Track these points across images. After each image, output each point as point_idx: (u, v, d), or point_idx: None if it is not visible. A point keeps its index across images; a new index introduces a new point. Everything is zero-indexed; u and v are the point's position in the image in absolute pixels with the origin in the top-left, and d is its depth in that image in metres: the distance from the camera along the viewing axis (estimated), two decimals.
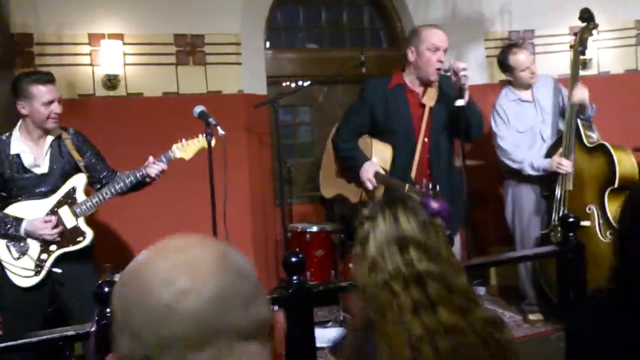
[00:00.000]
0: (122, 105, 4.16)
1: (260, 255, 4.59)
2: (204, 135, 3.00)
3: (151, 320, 0.68)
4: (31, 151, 2.89)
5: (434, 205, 1.43)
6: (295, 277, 2.00)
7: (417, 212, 1.38)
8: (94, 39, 4.07)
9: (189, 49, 4.32)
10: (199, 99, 3.83)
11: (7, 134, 2.91)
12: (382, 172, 3.07)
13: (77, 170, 2.96)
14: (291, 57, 4.96)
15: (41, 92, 2.80)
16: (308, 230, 4.19)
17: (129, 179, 2.93)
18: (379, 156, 3.16)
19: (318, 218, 4.89)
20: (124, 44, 4.13)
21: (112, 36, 4.09)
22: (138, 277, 0.71)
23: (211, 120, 2.94)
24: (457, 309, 1.31)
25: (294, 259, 2.01)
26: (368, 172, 3.07)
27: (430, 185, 2.73)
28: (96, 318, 1.70)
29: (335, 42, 5.16)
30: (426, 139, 3.15)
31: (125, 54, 4.14)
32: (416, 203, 1.42)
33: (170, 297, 0.68)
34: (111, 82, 4.11)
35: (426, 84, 3.18)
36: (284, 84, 4.85)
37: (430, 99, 3.16)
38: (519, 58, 3.99)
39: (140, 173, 2.93)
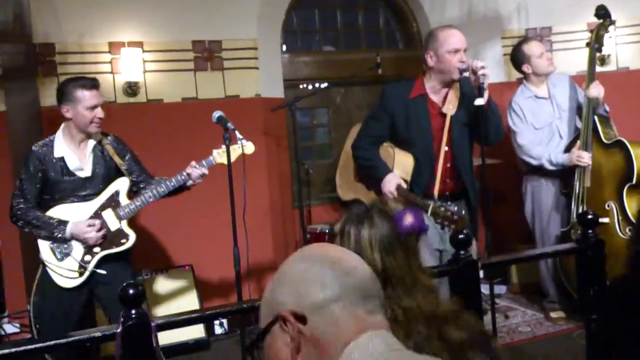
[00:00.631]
0: (142, 112, 4.22)
1: (280, 257, 4.63)
2: (242, 140, 3.08)
3: (340, 276, 0.97)
4: (75, 154, 2.98)
5: (408, 221, 1.41)
6: None
7: (382, 233, 1.40)
8: (114, 47, 4.15)
9: (207, 55, 4.38)
10: (217, 103, 3.89)
11: (50, 138, 3.00)
12: (404, 185, 3.02)
13: (119, 174, 3.05)
14: (307, 60, 4.99)
15: (85, 96, 2.91)
16: (327, 231, 4.21)
17: (171, 183, 3.02)
18: (400, 167, 3.11)
19: (336, 218, 4.90)
20: (144, 51, 4.20)
21: (131, 44, 4.17)
22: (328, 256, 1.02)
23: (229, 124, 2.99)
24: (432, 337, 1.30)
25: None
26: (391, 184, 3.01)
27: (456, 209, 2.72)
28: (122, 319, 1.74)
29: (351, 44, 5.18)
30: (446, 148, 3.10)
31: (144, 61, 4.21)
32: (384, 220, 1.42)
33: (351, 265, 1.00)
34: (132, 88, 4.18)
35: (448, 85, 3.13)
36: (301, 87, 4.89)
37: (451, 107, 3.11)
38: (532, 45, 4.00)
39: (182, 176, 3.02)
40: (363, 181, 3.42)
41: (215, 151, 3.09)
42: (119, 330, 1.74)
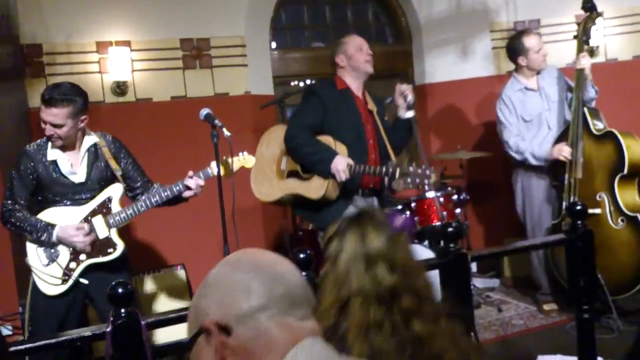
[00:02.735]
0: (131, 111, 4.21)
1: None
2: (245, 153, 3.05)
3: (266, 283, 0.94)
4: (68, 158, 2.85)
5: (398, 221, 1.47)
6: (304, 273, 2.03)
7: (385, 228, 1.38)
8: (101, 46, 4.13)
9: (195, 53, 4.36)
10: (206, 101, 3.88)
11: (44, 139, 2.87)
12: (353, 163, 3.16)
13: (114, 178, 2.92)
14: (297, 56, 4.98)
15: (42, 109, 2.76)
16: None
17: (166, 193, 2.90)
18: (341, 152, 3.26)
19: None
20: (132, 50, 4.18)
21: (119, 43, 4.15)
22: (255, 261, 0.99)
23: (217, 122, 2.95)
24: (430, 317, 1.31)
25: (302, 255, 2.03)
26: (342, 163, 3.15)
27: (424, 166, 2.99)
28: (111, 318, 1.74)
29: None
30: (371, 141, 3.36)
31: (133, 61, 4.19)
32: (383, 219, 1.41)
33: (278, 271, 0.97)
34: (120, 88, 4.16)
35: (363, 80, 3.43)
36: (291, 84, 4.88)
37: (370, 102, 3.43)
38: (533, 39, 4.01)
39: (178, 187, 2.91)
40: (295, 175, 3.41)
41: (213, 162, 2.97)
42: (109, 329, 1.73)
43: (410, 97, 3.27)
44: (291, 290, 0.95)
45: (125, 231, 3.97)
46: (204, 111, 3.04)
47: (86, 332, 1.87)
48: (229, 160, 3.00)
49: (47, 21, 4.01)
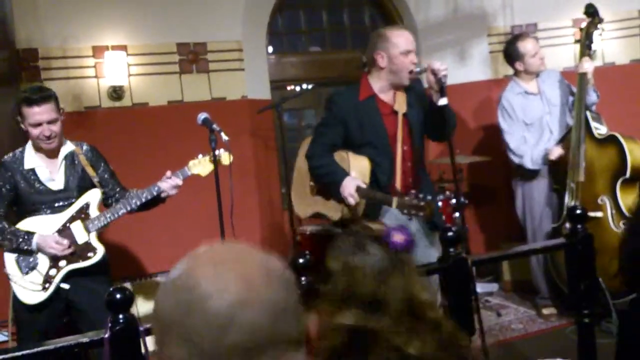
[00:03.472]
0: (128, 116, 4.19)
1: None
2: (221, 150, 2.98)
3: (212, 328, 0.69)
4: (46, 165, 2.85)
5: (397, 238, 1.35)
6: (303, 278, 2.01)
7: (373, 263, 1.29)
8: (98, 51, 4.11)
9: (192, 57, 4.35)
10: (203, 106, 3.86)
11: (20, 150, 2.87)
12: (364, 185, 2.93)
13: (92, 185, 2.92)
14: (294, 60, 4.97)
15: (29, 113, 2.72)
16: (316, 232, 4.19)
17: (144, 195, 2.89)
18: (357, 170, 3.00)
19: (326, 220, 4.90)
20: (128, 54, 4.16)
21: (115, 48, 4.13)
22: (193, 283, 0.71)
23: (215, 126, 2.95)
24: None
25: (301, 260, 2.02)
26: (349, 187, 2.90)
27: (421, 196, 2.65)
28: (109, 325, 1.71)
29: (338, 44, 5.18)
30: (405, 147, 3.04)
31: (129, 65, 4.17)
32: (374, 248, 1.32)
33: (229, 306, 0.69)
34: (116, 93, 4.14)
35: (396, 88, 3.07)
36: (287, 88, 4.87)
37: (401, 105, 3.06)
38: (528, 44, 4.01)
39: (156, 188, 2.89)
40: (320, 193, 3.28)
41: (191, 162, 2.97)
42: (106, 336, 1.71)
43: (444, 78, 2.87)
44: (255, 334, 0.70)
45: (115, 236, 3.97)
46: (202, 116, 3.03)
47: (84, 338, 1.84)
48: (206, 158, 2.98)
49: (43, 25, 3.99)
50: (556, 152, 3.84)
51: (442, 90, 2.88)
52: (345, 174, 2.96)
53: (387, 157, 3.01)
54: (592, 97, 3.87)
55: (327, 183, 3.05)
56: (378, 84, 3.06)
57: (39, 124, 2.74)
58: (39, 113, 2.73)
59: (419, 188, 2.94)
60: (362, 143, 3.02)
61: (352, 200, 2.90)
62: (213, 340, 0.68)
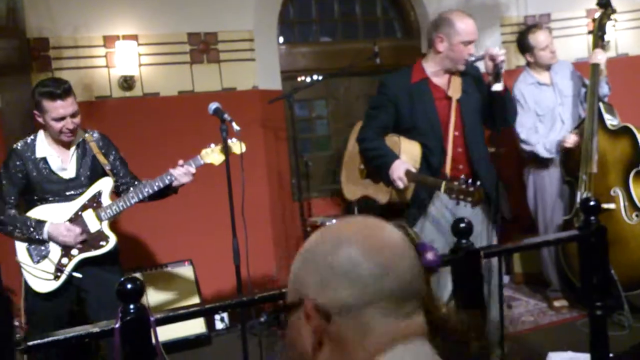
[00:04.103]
0: (138, 106, 4.19)
1: (280, 250, 4.61)
2: (234, 139, 2.96)
3: (375, 276, 0.86)
4: (58, 154, 2.84)
5: (430, 256, 1.34)
6: None
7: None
8: (109, 40, 4.10)
9: (203, 47, 4.34)
10: (214, 96, 3.85)
11: (32, 137, 2.87)
12: (413, 169, 2.92)
13: (103, 173, 2.91)
14: (305, 51, 4.95)
15: (51, 107, 2.72)
16: (327, 223, 4.18)
17: (157, 184, 2.88)
18: (408, 154, 2.99)
19: (337, 211, 4.90)
20: (139, 44, 4.16)
21: (126, 37, 4.13)
22: (356, 245, 0.89)
23: (226, 116, 2.93)
24: None
25: None
26: (399, 170, 2.89)
27: (470, 181, 2.63)
28: (120, 315, 1.71)
29: (349, 34, 5.14)
30: (457, 133, 3.00)
31: (140, 55, 4.17)
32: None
33: (387, 262, 0.88)
34: (127, 82, 4.14)
35: (451, 73, 3.05)
36: (298, 79, 4.85)
37: (455, 90, 3.01)
38: (539, 36, 3.98)
39: (169, 177, 2.88)
40: (370, 176, 3.32)
41: (203, 150, 2.97)
42: (117, 326, 1.71)
43: (501, 64, 2.85)
44: (402, 285, 0.87)
45: (128, 227, 3.98)
46: (213, 105, 3.01)
47: (94, 328, 1.84)
48: (218, 147, 2.97)
49: (54, 15, 3.99)
50: (572, 139, 3.80)
51: (498, 75, 2.87)
52: (396, 156, 2.94)
53: (438, 141, 2.98)
54: (604, 89, 3.84)
55: (378, 166, 3.05)
56: (432, 67, 3.05)
57: (63, 118, 2.73)
58: (62, 107, 2.73)
59: (473, 174, 2.92)
60: (413, 126, 3.00)
61: (400, 184, 2.89)
62: (375, 284, 0.86)
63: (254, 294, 2.37)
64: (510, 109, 3.03)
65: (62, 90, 2.73)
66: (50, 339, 1.81)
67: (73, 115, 2.77)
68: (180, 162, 2.93)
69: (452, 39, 2.95)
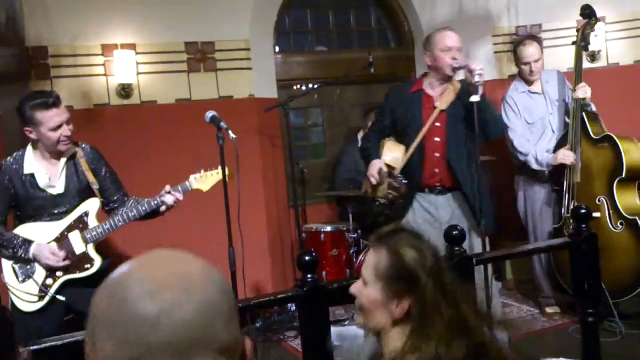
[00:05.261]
0: (136, 114, 4.22)
1: (276, 256, 4.64)
2: (218, 168, 2.96)
3: (141, 327, 0.71)
4: (46, 171, 2.77)
5: None
6: (309, 276, 2.03)
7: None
8: (107, 49, 4.15)
9: (200, 56, 4.38)
10: (211, 104, 3.90)
11: (20, 153, 2.81)
12: (386, 170, 3.26)
13: (92, 192, 2.85)
14: (300, 60, 5.01)
15: (47, 117, 2.65)
16: (322, 230, 4.23)
17: (144, 208, 2.84)
18: (390, 155, 3.31)
19: (332, 218, 4.94)
20: (137, 53, 4.20)
21: (124, 46, 4.17)
22: (127, 285, 0.74)
23: (223, 124, 2.97)
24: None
25: (307, 258, 2.04)
26: (374, 167, 3.27)
27: (400, 178, 3.19)
28: None
29: (344, 44, 5.21)
30: (438, 139, 3.26)
31: (138, 64, 4.21)
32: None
33: (161, 307, 0.71)
34: (125, 91, 4.18)
35: (445, 82, 3.30)
36: (294, 87, 4.90)
37: (444, 102, 3.27)
38: (525, 51, 4.02)
39: (156, 202, 2.85)
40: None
41: (192, 176, 2.94)
42: None
43: (477, 77, 3.06)
44: (174, 336, 0.71)
45: (127, 236, 4.00)
46: (210, 114, 3.05)
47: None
48: (207, 174, 2.96)
49: (53, 23, 4.03)
50: (571, 156, 3.80)
51: (476, 88, 3.09)
52: (377, 156, 3.33)
53: (420, 147, 3.27)
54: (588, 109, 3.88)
55: (364, 162, 3.50)
56: (428, 80, 3.37)
57: (59, 126, 2.68)
58: (58, 115, 2.68)
59: (450, 178, 3.24)
60: (404, 131, 3.34)
61: (373, 180, 3.28)
62: (138, 337, 0.70)
63: (249, 300, 2.41)
64: (488, 121, 3.19)
65: (54, 98, 2.70)
66: (47, 344, 1.84)
67: (68, 123, 2.72)
68: (168, 188, 2.87)
69: (433, 50, 3.27)
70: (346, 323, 4.07)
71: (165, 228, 4.08)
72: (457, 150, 3.25)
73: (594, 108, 3.93)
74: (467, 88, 3.19)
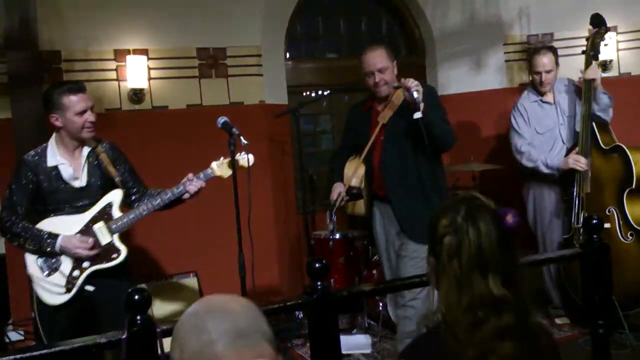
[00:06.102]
0: (148, 118, 4.25)
1: (284, 263, 4.64)
2: (243, 153, 3.00)
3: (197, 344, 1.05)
4: (69, 164, 2.83)
5: (510, 219, 1.43)
6: (319, 283, 2.02)
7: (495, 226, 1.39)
8: (119, 54, 4.17)
9: (211, 62, 4.40)
10: (221, 110, 3.91)
11: (42, 147, 2.87)
12: (344, 195, 3.39)
13: (114, 184, 2.91)
14: (311, 67, 5.02)
15: (72, 101, 2.75)
16: (331, 237, 4.22)
17: (167, 196, 2.89)
18: (352, 171, 3.45)
19: (341, 225, 4.93)
20: (149, 58, 4.23)
21: (137, 51, 4.20)
22: (197, 323, 1.08)
23: (234, 130, 2.97)
24: (523, 338, 1.32)
25: (317, 265, 2.03)
26: (334, 192, 3.42)
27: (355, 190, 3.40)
28: (127, 325, 1.73)
29: (354, 51, 5.19)
30: (382, 154, 3.34)
31: (150, 69, 4.24)
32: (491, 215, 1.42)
33: (231, 306, 1.12)
34: (137, 96, 4.21)
35: (386, 98, 3.34)
36: (304, 94, 4.91)
37: (385, 116, 3.32)
38: (538, 60, 3.99)
39: (179, 190, 2.90)
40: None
41: (214, 163, 2.99)
42: (124, 337, 1.73)
43: (414, 94, 3.01)
44: (235, 325, 1.06)
45: (135, 238, 4.02)
46: (222, 119, 3.06)
47: (101, 339, 1.85)
48: (225, 161, 3.00)
49: (67, 28, 4.06)
50: (583, 161, 3.74)
51: (416, 105, 3.03)
52: (338, 178, 3.48)
53: (369, 161, 3.40)
54: (603, 99, 3.82)
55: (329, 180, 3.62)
56: (379, 97, 3.38)
57: (84, 111, 2.78)
58: (84, 100, 2.79)
59: (400, 194, 3.29)
60: (358, 147, 3.43)
61: (333, 202, 3.45)
62: (194, 351, 1.04)
63: (258, 306, 2.39)
64: (436, 137, 3.12)
65: (79, 84, 2.86)
66: (57, 349, 1.84)
67: (92, 109, 2.84)
68: (190, 175, 2.94)
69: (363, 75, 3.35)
70: (353, 331, 4.05)
71: (174, 232, 4.10)
72: (392, 166, 3.30)
73: (612, 97, 3.85)
74: (428, 99, 3.17)
